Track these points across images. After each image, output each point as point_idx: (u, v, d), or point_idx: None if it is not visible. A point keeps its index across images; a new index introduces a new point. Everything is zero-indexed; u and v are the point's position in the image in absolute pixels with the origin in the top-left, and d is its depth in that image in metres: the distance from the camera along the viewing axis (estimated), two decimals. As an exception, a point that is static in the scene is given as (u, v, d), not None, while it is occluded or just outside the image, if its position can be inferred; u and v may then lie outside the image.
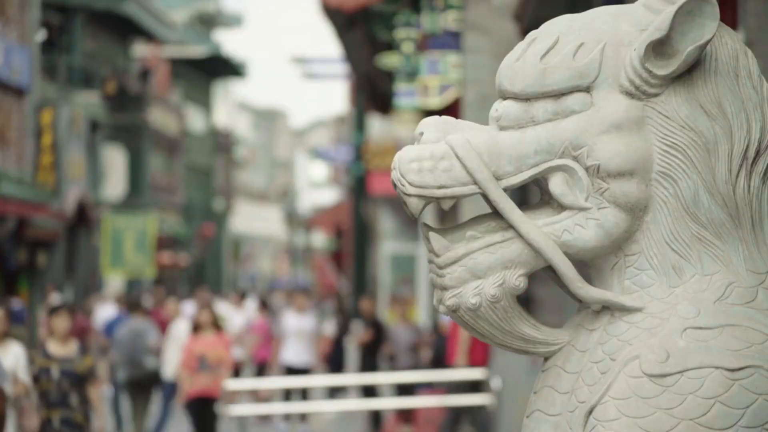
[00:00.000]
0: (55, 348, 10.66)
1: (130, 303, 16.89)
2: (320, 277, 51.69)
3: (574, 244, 3.11)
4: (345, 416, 18.50)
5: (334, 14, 20.67)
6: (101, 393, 10.85)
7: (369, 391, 16.88)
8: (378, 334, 17.55)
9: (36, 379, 10.39)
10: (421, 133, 3.14)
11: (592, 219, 3.09)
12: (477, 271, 3.10)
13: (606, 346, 3.11)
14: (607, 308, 3.16)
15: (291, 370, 17.17)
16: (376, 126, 34.78)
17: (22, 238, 28.44)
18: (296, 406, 15.91)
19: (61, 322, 10.79)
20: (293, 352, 17.48)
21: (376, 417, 17.14)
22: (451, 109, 15.90)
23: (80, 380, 10.49)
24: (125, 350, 15.20)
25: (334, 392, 18.47)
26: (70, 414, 10.48)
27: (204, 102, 53.58)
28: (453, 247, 3.12)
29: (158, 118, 41.82)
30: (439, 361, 17.48)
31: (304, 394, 17.18)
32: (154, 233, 34.46)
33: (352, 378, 16.62)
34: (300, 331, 17.54)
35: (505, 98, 3.18)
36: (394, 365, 17.30)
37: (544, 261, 3.13)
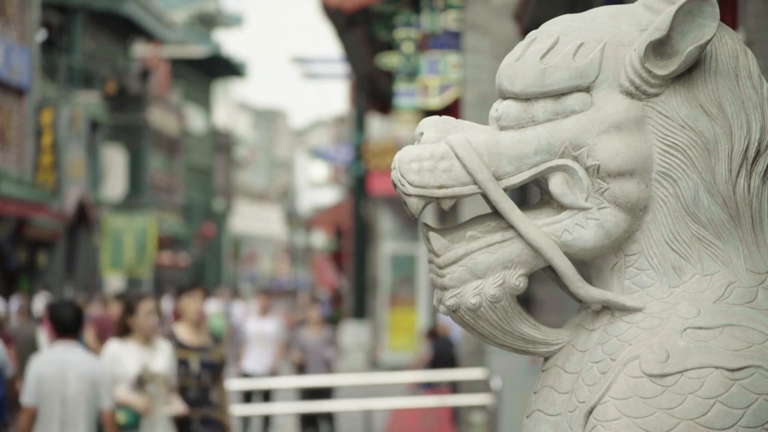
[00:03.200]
0: (187, 336, 9.24)
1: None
2: (320, 277, 51.69)
3: (574, 244, 3.11)
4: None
5: (334, 14, 20.67)
6: (228, 386, 9.75)
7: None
8: None
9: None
10: (421, 133, 3.14)
11: (592, 219, 3.09)
12: (477, 271, 3.10)
13: (606, 346, 3.11)
14: (607, 308, 3.16)
15: (249, 378, 16.08)
16: (376, 126, 34.79)
17: (22, 238, 28.46)
18: (296, 407, 15.90)
19: (194, 304, 9.30)
20: (253, 358, 16.47)
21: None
22: (451, 109, 15.90)
23: (218, 372, 9.25)
24: None
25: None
26: (212, 412, 9.22)
27: (204, 102, 53.59)
28: (453, 247, 3.12)
29: (158, 118, 41.83)
30: (438, 361, 17.49)
31: (266, 396, 16.33)
32: (154, 233, 34.45)
33: (344, 379, 16.59)
34: (261, 336, 16.54)
35: (505, 98, 3.18)
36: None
37: (544, 261, 3.13)
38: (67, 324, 8.34)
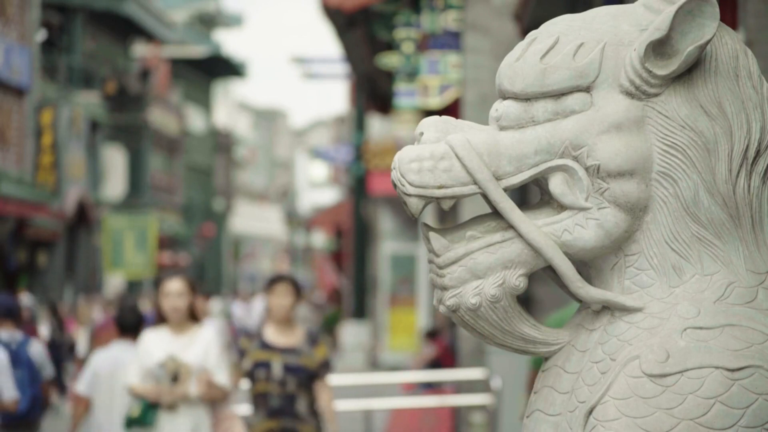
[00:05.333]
0: (274, 336, 8.33)
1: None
2: (320, 277, 51.70)
3: (574, 244, 3.11)
4: None
5: (334, 14, 20.67)
6: (331, 395, 8.38)
7: None
8: None
9: (250, 377, 8.29)
10: (421, 133, 3.15)
11: (592, 219, 3.09)
12: (477, 271, 3.10)
13: (606, 346, 3.11)
14: (607, 308, 3.16)
15: None
16: (376, 126, 34.79)
17: (22, 238, 28.46)
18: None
19: (282, 299, 8.34)
20: None
21: None
22: (451, 109, 15.89)
23: (310, 379, 8.22)
24: None
25: None
26: (297, 425, 8.21)
27: (204, 102, 53.59)
28: (453, 247, 3.12)
29: (158, 118, 41.83)
30: (439, 361, 17.49)
31: None
32: (154, 233, 34.46)
33: (344, 379, 16.57)
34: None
35: (505, 98, 3.18)
36: None
37: (544, 261, 3.13)
38: (126, 324, 9.17)
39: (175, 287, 8.07)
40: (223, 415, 8.21)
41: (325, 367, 8.32)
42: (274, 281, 8.55)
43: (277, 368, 8.17)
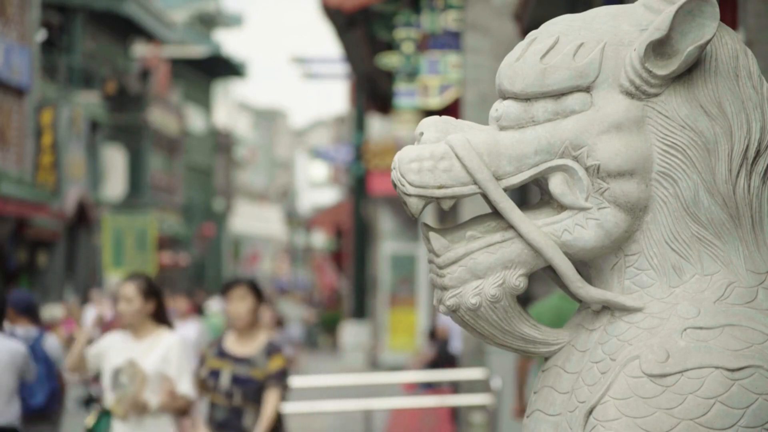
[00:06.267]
0: (233, 343, 7.85)
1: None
2: (320, 277, 51.71)
3: (574, 244, 3.11)
4: None
5: (334, 14, 20.66)
6: (275, 405, 7.78)
7: None
8: None
9: (204, 385, 7.87)
10: (421, 133, 3.15)
11: (592, 219, 3.09)
12: (477, 271, 3.10)
13: (606, 346, 3.11)
14: (607, 308, 3.16)
15: None
16: (376, 126, 34.79)
17: (22, 238, 28.47)
18: (294, 407, 15.90)
19: (238, 304, 7.81)
20: None
21: None
22: (451, 109, 15.90)
23: (260, 393, 7.73)
24: None
25: None
26: None
27: (204, 102, 53.59)
28: (453, 247, 3.12)
29: (158, 118, 41.83)
30: (439, 361, 17.50)
31: None
32: (154, 233, 34.46)
33: (344, 379, 16.59)
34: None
35: (505, 98, 3.18)
36: None
37: (544, 261, 3.13)
38: None
39: (124, 291, 7.65)
40: (187, 424, 7.90)
41: (277, 378, 7.71)
42: (229, 286, 7.95)
43: (225, 379, 7.72)
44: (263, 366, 7.71)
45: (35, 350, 9.70)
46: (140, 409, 7.44)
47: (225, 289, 7.94)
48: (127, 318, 7.58)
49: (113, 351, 7.60)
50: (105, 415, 7.71)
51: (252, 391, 7.69)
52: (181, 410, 7.62)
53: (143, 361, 7.52)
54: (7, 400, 8.53)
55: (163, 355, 7.55)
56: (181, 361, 7.55)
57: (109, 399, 7.61)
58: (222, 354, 7.78)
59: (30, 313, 10.02)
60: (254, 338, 7.82)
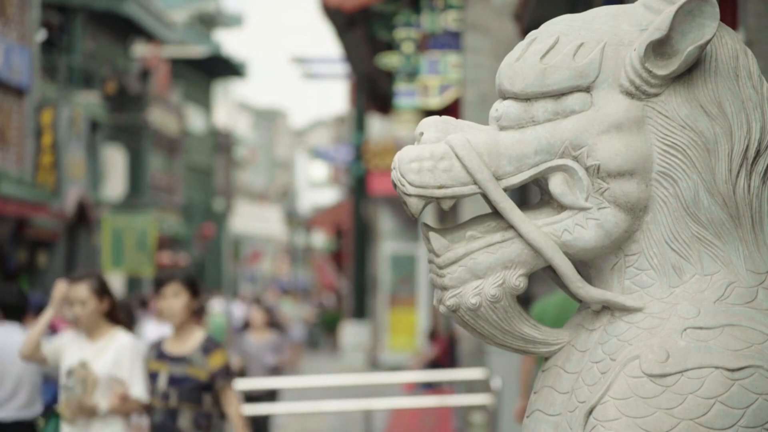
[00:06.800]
0: (170, 343, 7.51)
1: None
2: (320, 277, 51.71)
3: (574, 244, 3.11)
4: None
5: (334, 14, 20.66)
6: (238, 401, 7.48)
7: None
8: None
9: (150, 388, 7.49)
10: (421, 133, 3.15)
11: (592, 219, 3.09)
12: (477, 271, 3.10)
13: (606, 346, 3.11)
14: (607, 308, 3.16)
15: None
16: (376, 126, 34.79)
17: (22, 238, 28.46)
18: (294, 407, 15.90)
19: (171, 301, 7.45)
20: None
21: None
22: (451, 109, 15.90)
23: (198, 390, 7.35)
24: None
25: None
26: None
27: (204, 102, 53.58)
28: (453, 247, 3.12)
29: (158, 118, 41.82)
30: (439, 361, 17.50)
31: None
32: (154, 233, 34.46)
33: (344, 379, 16.58)
34: None
35: (505, 98, 3.18)
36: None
37: (544, 261, 3.13)
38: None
39: (76, 293, 7.33)
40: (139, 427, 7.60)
41: (223, 375, 7.36)
42: (161, 282, 7.54)
43: (162, 380, 7.36)
44: (202, 364, 7.36)
45: None
46: (88, 413, 7.18)
47: (158, 285, 7.55)
48: (82, 321, 7.31)
49: (69, 350, 7.37)
50: (55, 416, 7.51)
51: (188, 390, 7.34)
52: (133, 413, 7.39)
53: (95, 363, 7.27)
54: (31, 396, 8.60)
55: (116, 358, 7.27)
56: (133, 363, 7.29)
57: (61, 400, 7.37)
58: (161, 355, 7.44)
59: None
60: (190, 336, 7.46)
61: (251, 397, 13.68)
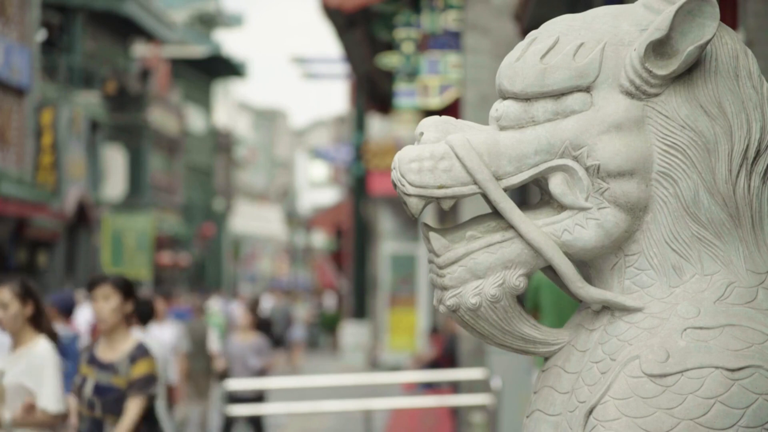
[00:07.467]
0: (102, 348, 7.12)
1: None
2: (320, 277, 51.71)
3: (574, 244, 3.11)
4: None
5: (334, 14, 20.66)
6: (136, 410, 6.96)
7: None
8: None
9: (78, 394, 7.12)
10: (421, 133, 3.15)
11: (592, 219, 3.09)
12: (477, 271, 3.10)
13: (606, 346, 3.11)
14: (607, 308, 3.16)
15: None
16: (376, 126, 34.78)
17: (22, 238, 28.46)
18: (294, 407, 15.90)
19: (101, 304, 7.04)
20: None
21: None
22: (451, 109, 15.89)
23: (122, 403, 6.96)
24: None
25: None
26: None
27: (204, 102, 53.58)
28: (453, 247, 3.12)
29: (158, 118, 41.82)
30: (441, 360, 17.50)
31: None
32: (153, 233, 34.45)
33: (344, 379, 16.57)
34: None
35: (505, 98, 3.18)
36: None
37: (544, 261, 3.13)
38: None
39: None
40: None
41: (139, 385, 6.92)
42: (92, 284, 7.12)
43: (88, 387, 6.96)
44: (126, 373, 6.94)
45: (71, 349, 10.09)
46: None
47: (89, 287, 7.16)
48: (4, 325, 6.95)
49: None
50: None
51: (111, 401, 6.93)
52: (44, 426, 6.94)
53: (8, 372, 6.94)
54: None
55: (28, 367, 6.90)
56: (43, 372, 6.88)
57: None
58: (92, 360, 7.05)
59: (68, 313, 10.58)
60: (122, 342, 7.04)
61: (239, 398, 13.69)
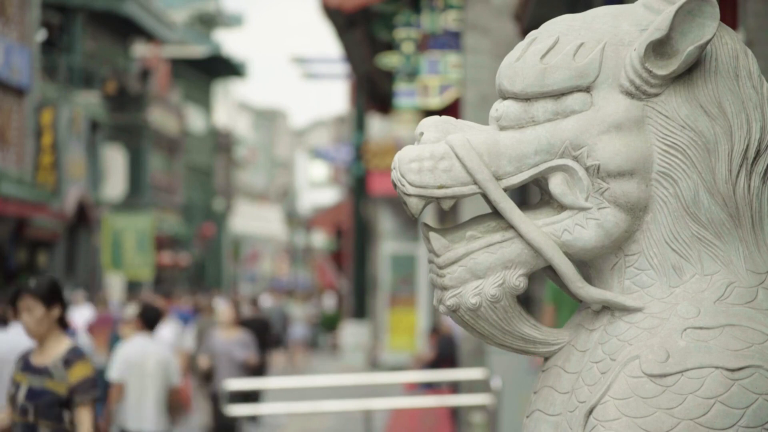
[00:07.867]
0: (35, 352, 6.93)
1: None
2: (320, 277, 51.70)
3: (574, 244, 3.11)
4: None
5: (334, 14, 20.65)
6: (89, 418, 6.80)
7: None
8: None
9: (12, 402, 6.91)
10: (421, 133, 3.15)
11: (592, 219, 3.09)
12: (477, 271, 3.10)
13: (606, 346, 3.11)
14: (607, 308, 3.16)
15: None
16: (376, 126, 34.78)
17: (22, 238, 28.45)
18: (294, 407, 15.90)
19: (25, 317, 6.85)
20: None
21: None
22: (451, 109, 15.89)
23: (57, 406, 6.76)
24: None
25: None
26: None
27: (204, 102, 53.58)
28: (453, 247, 3.12)
29: (158, 118, 41.81)
30: (442, 360, 17.49)
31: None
32: (153, 233, 34.44)
33: (344, 379, 16.58)
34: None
35: (505, 98, 3.18)
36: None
37: (544, 261, 3.13)
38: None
39: None
40: None
41: (84, 389, 6.76)
42: (14, 297, 7.01)
43: (21, 393, 6.77)
44: (61, 377, 6.76)
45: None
46: None
47: (12, 299, 7.01)
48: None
49: None
50: None
51: (45, 405, 6.75)
52: None
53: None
54: None
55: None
56: None
57: None
58: (26, 366, 6.87)
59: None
60: (54, 346, 6.84)
61: (231, 396, 13.69)
